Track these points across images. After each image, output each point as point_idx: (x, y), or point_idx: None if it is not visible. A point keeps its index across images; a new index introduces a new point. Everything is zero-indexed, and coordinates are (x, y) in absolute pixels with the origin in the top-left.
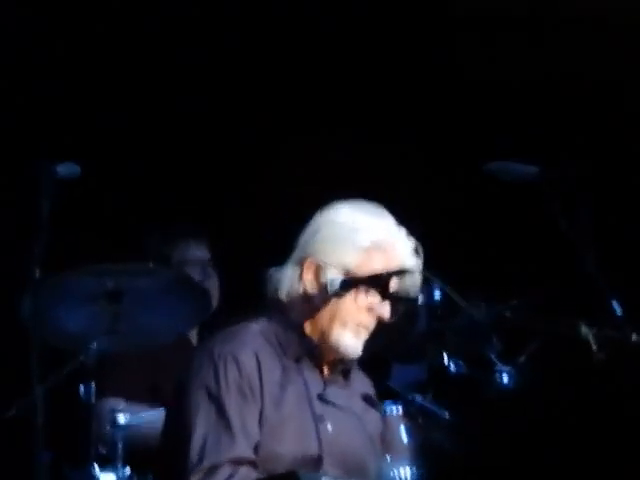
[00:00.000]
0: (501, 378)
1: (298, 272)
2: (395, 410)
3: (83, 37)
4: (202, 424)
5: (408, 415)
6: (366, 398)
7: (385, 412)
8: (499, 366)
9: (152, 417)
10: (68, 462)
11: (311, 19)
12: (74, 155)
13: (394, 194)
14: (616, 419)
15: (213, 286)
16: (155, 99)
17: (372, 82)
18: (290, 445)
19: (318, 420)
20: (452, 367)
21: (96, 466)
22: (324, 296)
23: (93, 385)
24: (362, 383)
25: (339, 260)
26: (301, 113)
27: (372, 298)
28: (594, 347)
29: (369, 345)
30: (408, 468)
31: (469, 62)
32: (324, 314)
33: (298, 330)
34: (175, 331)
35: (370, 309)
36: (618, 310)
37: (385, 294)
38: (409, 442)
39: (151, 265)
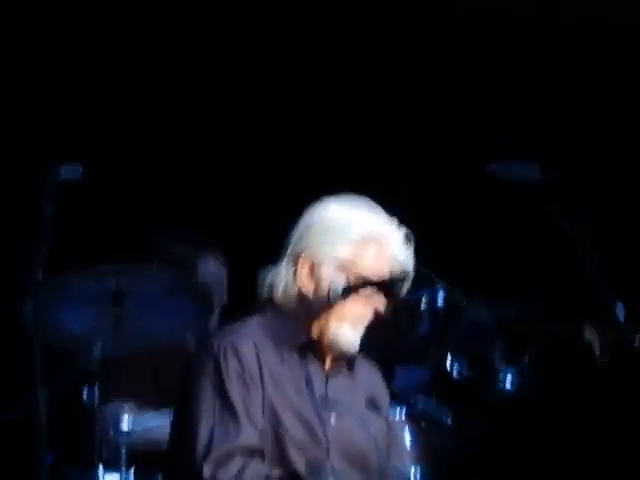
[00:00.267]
0: (504, 380)
1: (293, 269)
2: (398, 412)
3: (83, 37)
4: (207, 416)
5: (411, 417)
6: (370, 402)
7: (388, 414)
8: (502, 368)
9: (156, 422)
10: (71, 464)
11: (311, 19)
12: (74, 155)
13: (394, 194)
14: (618, 421)
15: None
16: (155, 99)
17: (372, 82)
18: (293, 437)
19: (321, 412)
20: (455, 369)
21: (101, 467)
22: (320, 290)
23: (96, 387)
24: (369, 373)
25: (333, 254)
26: (301, 113)
27: (367, 290)
28: (597, 349)
29: (371, 347)
30: (411, 470)
31: (469, 62)
32: (321, 310)
33: (296, 325)
34: (178, 333)
35: (366, 301)
36: (621, 313)
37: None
38: (412, 444)
39: (154, 266)
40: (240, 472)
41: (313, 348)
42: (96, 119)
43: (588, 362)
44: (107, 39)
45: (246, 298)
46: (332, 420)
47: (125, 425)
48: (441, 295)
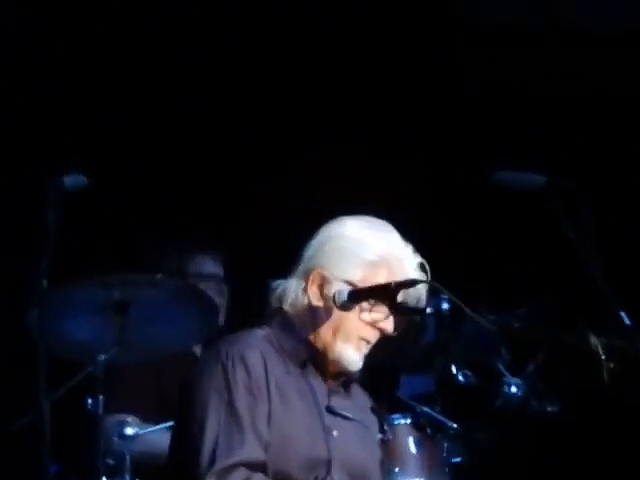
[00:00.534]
0: (509, 389)
1: (303, 284)
2: (403, 421)
3: (83, 37)
4: (213, 425)
5: (416, 426)
6: (373, 410)
7: (393, 423)
8: (507, 377)
9: (160, 429)
10: (75, 475)
11: (311, 19)
12: (74, 155)
13: (397, 202)
14: (624, 429)
15: (223, 303)
16: (155, 99)
17: (372, 81)
18: (298, 448)
19: (325, 425)
20: (460, 378)
21: (104, 479)
22: (329, 308)
23: (101, 397)
24: (363, 398)
25: (344, 273)
26: (301, 113)
27: (376, 314)
28: (603, 357)
29: (377, 357)
30: (416, 479)
31: (470, 68)
32: (327, 327)
33: (302, 339)
34: (182, 342)
35: (374, 324)
36: (627, 320)
37: (390, 308)
38: (417, 453)
39: (158, 276)
40: None
41: (318, 362)
42: (96, 119)
43: (593, 370)
44: (107, 39)
45: (250, 308)
46: (335, 433)
47: (129, 430)
48: (446, 304)
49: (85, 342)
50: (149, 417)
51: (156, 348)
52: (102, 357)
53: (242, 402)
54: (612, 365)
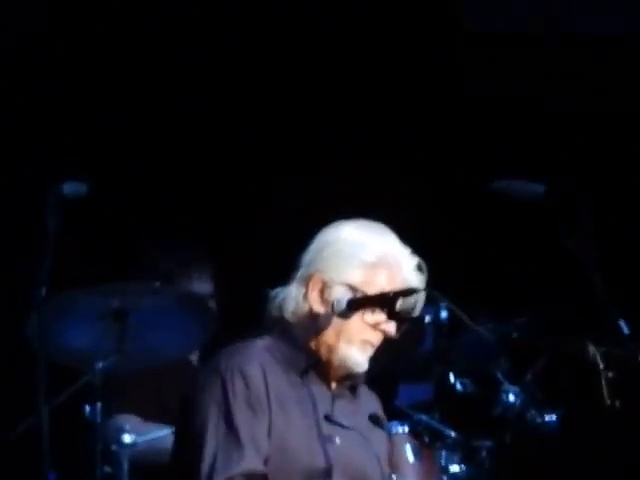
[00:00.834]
0: (508, 397)
1: (303, 290)
2: (402, 429)
3: (83, 37)
4: (212, 439)
5: (415, 434)
6: (373, 418)
7: (391, 431)
8: (506, 385)
9: (158, 436)
10: None
11: (311, 19)
12: (73, 155)
13: (396, 210)
14: (623, 438)
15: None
16: (155, 99)
17: (372, 81)
18: (299, 459)
19: (325, 435)
20: (458, 386)
21: None
22: (330, 313)
23: (99, 405)
24: (369, 399)
25: (344, 276)
26: (301, 113)
27: (378, 316)
28: (601, 366)
29: (376, 365)
30: None
31: (470, 68)
32: (330, 331)
33: (303, 346)
34: (180, 350)
35: (376, 326)
36: (625, 329)
37: (391, 313)
38: (415, 461)
39: (157, 284)
40: None
41: (320, 369)
42: (96, 119)
43: (592, 378)
44: (107, 39)
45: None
46: (337, 440)
47: (128, 438)
48: (445, 312)
49: (84, 349)
50: (148, 418)
51: (155, 355)
52: (100, 364)
53: (241, 416)
54: (610, 374)
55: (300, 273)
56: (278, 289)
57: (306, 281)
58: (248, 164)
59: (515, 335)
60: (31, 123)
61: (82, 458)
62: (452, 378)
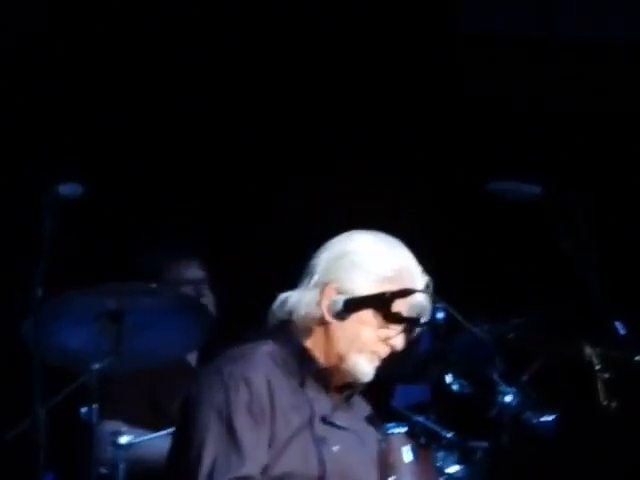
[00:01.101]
0: (504, 398)
1: (318, 298)
2: (397, 431)
3: (83, 37)
4: (212, 445)
5: (411, 435)
6: (368, 419)
7: (387, 433)
8: (502, 386)
9: (154, 438)
10: None
11: (311, 19)
12: (73, 155)
13: (394, 212)
14: (620, 439)
15: (209, 303)
16: (155, 99)
17: (372, 81)
18: (293, 465)
19: (320, 441)
20: (455, 387)
21: None
22: (342, 322)
23: (95, 406)
24: (361, 405)
25: (359, 288)
26: (301, 113)
27: (391, 331)
28: (597, 367)
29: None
30: None
31: (470, 68)
32: (342, 339)
33: (306, 354)
34: (177, 351)
35: (387, 340)
36: (621, 329)
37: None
38: (411, 463)
39: (153, 285)
40: None
41: (322, 377)
42: (96, 119)
43: (588, 379)
44: (107, 39)
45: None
46: (334, 448)
47: (123, 439)
48: (441, 314)
49: (80, 351)
50: (142, 424)
51: (151, 356)
52: (96, 366)
53: (242, 424)
54: (607, 375)
55: (315, 280)
56: (288, 293)
57: (321, 288)
58: (248, 164)
59: (511, 336)
60: (31, 123)
61: (78, 460)
62: (449, 379)
